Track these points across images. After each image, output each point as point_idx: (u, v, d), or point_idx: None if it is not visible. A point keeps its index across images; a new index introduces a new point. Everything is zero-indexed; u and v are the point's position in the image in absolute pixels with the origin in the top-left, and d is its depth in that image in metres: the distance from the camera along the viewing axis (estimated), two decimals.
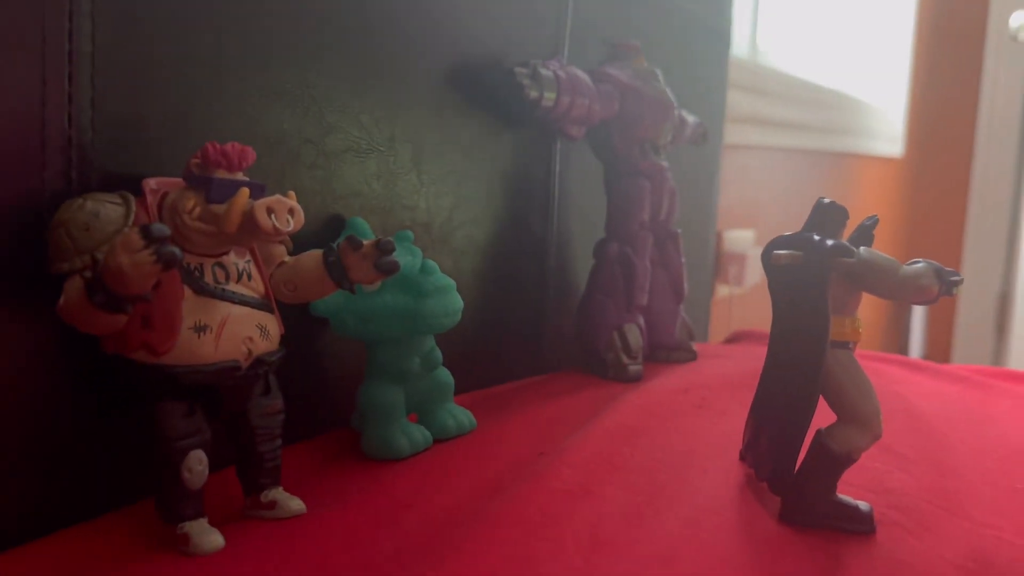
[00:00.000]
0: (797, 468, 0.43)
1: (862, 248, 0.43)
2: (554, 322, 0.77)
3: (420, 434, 0.52)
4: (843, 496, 0.43)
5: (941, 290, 0.42)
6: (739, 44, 1.57)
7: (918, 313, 2.46)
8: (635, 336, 0.71)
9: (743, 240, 1.50)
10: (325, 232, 0.54)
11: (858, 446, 0.42)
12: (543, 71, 0.64)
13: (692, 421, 0.58)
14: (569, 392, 0.65)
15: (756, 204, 1.55)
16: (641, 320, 0.73)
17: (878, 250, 0.44)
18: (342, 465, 0.50)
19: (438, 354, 0.54)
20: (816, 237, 0.43)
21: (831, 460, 0.42)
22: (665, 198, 0.74)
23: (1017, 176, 2.43)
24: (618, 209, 0.73)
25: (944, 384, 0.72)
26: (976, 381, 0.72)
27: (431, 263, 0.52)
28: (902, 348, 2.47)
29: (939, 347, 2.56)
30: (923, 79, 2.47)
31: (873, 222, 0.46)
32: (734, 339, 0.97)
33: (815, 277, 0.42)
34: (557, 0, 0.73)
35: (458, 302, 0.53)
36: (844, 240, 0.44)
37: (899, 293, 0.43)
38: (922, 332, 2.52)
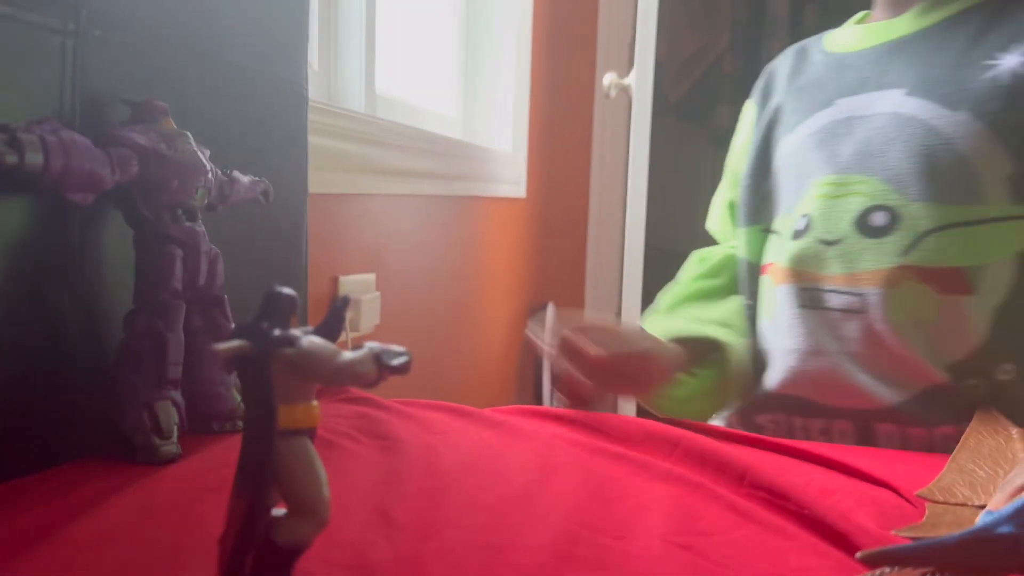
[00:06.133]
0: (250, 566, 0.42)
1: (305, 338, 0.43)
2: (79, 403, 0.69)
3: None
4: None
5: (382, 374, 0.44)
6: (356, 98, 1.62)
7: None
8: (167, 413, 0.67)
9: (361, 284, 1.52)
10: None
11: (305, 535, 0.42)
12: (24, 135, 0.58)
13: (195, 510, 0.55)
14: (72, 488, 0.58)
15: (377, 249, 1.59)
16: (178, 395, 0.69)
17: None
18: None
19: None
20: (264, 326, 0.43)
21: (278, 553, 0.42)
22: (203, 264, 0.71)
23: (623, 209, 2.77)
24: (146, 278, 0.68)
25: (482, 429, 0.77)
26: (511, 425, 0.78)
27: None
28: (538, 379, 2.67)
29: None
30: (541, 129, 2.73)
31: (344, 303, 0.47)
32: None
33: (258, 368, 0.42)
34: (61, 62, 0.66)
35: None
36: (295, 326, 0.44)
37: (337, 379, 0.44)
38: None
